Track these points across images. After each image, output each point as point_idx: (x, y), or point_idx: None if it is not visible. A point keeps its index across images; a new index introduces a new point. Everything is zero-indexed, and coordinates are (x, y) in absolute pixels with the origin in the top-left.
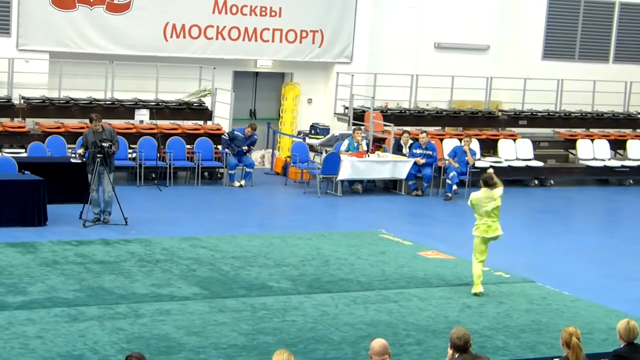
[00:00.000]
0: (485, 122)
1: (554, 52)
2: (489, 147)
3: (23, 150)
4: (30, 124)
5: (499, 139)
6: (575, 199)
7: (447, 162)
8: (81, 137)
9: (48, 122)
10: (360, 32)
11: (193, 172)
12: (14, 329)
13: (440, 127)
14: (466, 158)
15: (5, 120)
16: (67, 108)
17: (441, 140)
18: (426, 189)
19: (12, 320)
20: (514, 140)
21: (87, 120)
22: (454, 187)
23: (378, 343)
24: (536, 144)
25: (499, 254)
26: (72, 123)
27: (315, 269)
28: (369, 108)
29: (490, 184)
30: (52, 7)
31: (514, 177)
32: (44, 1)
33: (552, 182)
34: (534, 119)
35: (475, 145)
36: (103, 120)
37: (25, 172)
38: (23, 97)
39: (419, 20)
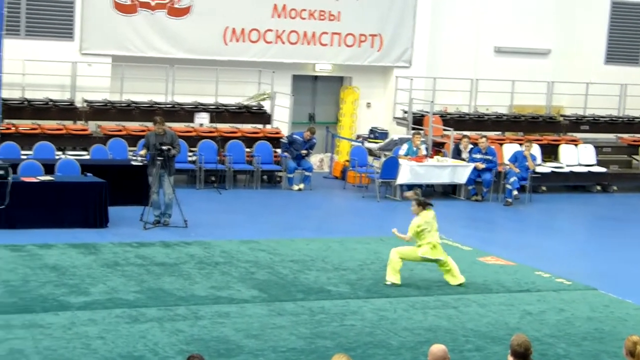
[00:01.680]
0: (546, 127)
1: (617, 56)
2: (550, 152)
3: (85, 153)
4: (92, 126)
5: (560, 144)
6: (638, 205)
7: (507, 167)
8: (143, 138)
9: (110, 125)
10: (419, 36)
11: (252, 175)
12: (76, 329)
13: (500, 132)
14: (527, 163)
15: (69, 123)
16: (128, 111)
17: (501, 145)
18: (486, 194)
19: (74, 320)
20: (576, 145)
21: (147, 123)
22: (515, 192)
23: (438, 348)
24: (599, 149)
25: (561, 261)
26: (133, 126)
27: (374, 273)
28: (428, 112)
29: (426, 204)
30: (115, 12)
31: (575, 183)
32: (107, 6)
33: (615, 188)
34: (596, 124)
35: (536, 150)
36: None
37: (88, 174)
38: (86, 100)
39: (479, 24)
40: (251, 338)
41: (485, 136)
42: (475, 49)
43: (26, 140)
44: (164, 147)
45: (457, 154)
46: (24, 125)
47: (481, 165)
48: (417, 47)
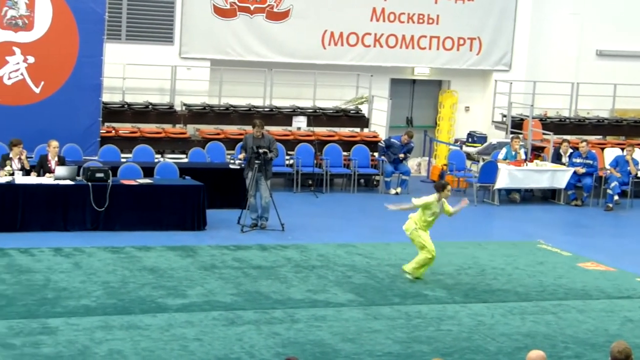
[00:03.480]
0: None
1: None
2: None
3: (184, 156)
4: (191, 130)
5: None
6: None
7: (608, 171)
8: (241, 142)
9: (208, 129)
10: (519, 40)
11: (349, 179)
12: (174, 331)
13: (601, 136)
14: (628, 168)
15: (168, 127)
16: (226, 115)
17: (602, 149)
18: (586, 198)
19: (172, 322)
20: None
21: (246, 127)
22: (616, 197)
23: (536, 354)
24: None
25: None
26: (231, 129)
27: (471, 278)
28: (527, 116)
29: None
30: (214, 16)
31: None
32: (206, 10)
33: None
34: None
35: (638, 154)
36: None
37: (186, 177)
38: (185, 104)
39: (580, 27)
40: (347, 342)
41: (585, 140)
42: (576, 52)
43: (126, 143)
44: (261, 151)
45: (556, 159)
46: (124, 128)
47: (581, 170)
48: (517, 50)
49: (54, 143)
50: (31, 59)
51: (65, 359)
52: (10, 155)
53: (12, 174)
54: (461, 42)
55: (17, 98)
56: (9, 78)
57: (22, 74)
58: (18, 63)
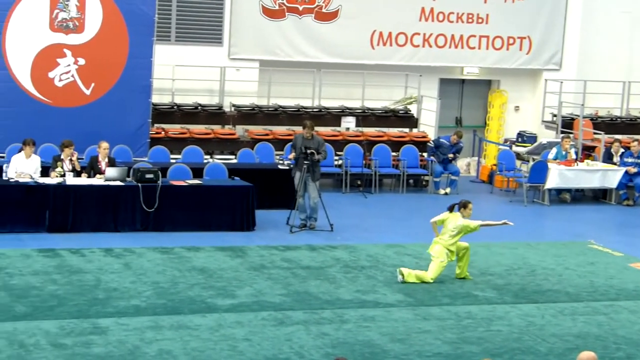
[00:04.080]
0: None
1: None
2: None
3: (233, 157)
4: (240, 130)
5: None
6: None
7: None
8: (291, 142)
9: (257, 129)
10: (569, 38)
11: (398, 179)
12: (223, 331)
13: None
14: None
15: (217, 127)
16: (275, 115)
17: None
18: (638, 198)
19: (221, 322)
20: None
21: (295, 128)
22: None
23: (588, 355)
24: None
25: None
26: (280, 130)
27: (521, 278)
28: (578, 116)
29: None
30: (263, 17)
31: None
32: (255, 11)
33: None
34: None
35: None
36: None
37: (235, 178)
38: (234, 105)
39: (632, 25)
40: (396, 342)
41: (637, 140)
42: (628, 50)
43: (175, 144)
44: (309, 151)
45: (608, 158)
46: (174, 129)
47: (633, 170)
48: (567, 49)
49: (104, 144)
50: (82, 61)
51: (116, 358)
52: (62, 157)
53: (63, 175)
54: (511, 41)
55: (68, 100)
56: (60, 80)
57: (72, 76)
58: (69, 65)
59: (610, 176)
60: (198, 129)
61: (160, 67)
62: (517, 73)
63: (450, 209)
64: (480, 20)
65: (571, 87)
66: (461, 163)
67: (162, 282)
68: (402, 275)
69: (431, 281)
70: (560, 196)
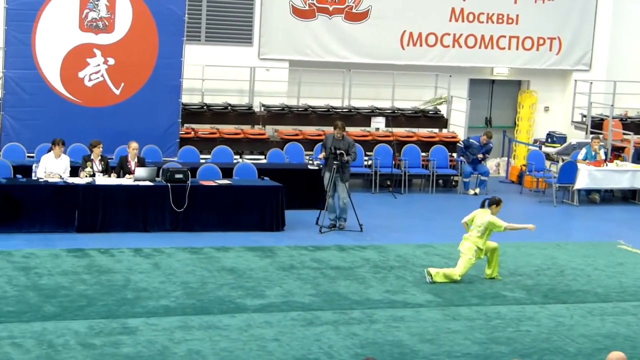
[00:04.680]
0: None
1: None
2: None
3: (263, 157)
4: (269, 131)
5: None
6: None
7: None
8: (320, 142)
9: (287, 130)
10: (599, 39)
11: (428, 179)
12: (253, 331)
13: None
14: None
15: (246, 128)
16: (305, 116)
17: None
18: None
19: (250, 322)
20: None
21: (324, 128)
22: None
23: (617, 356)
24: None
25: None
26: (309, 130)
27: (550, 279)
28: (607, 116)
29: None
30: (293, 17)
31: None
32: (285, 12)
33: None
34: None
35: None
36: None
37: (265, 178)
38: (263, 105)
39: None
40: (426, 342)
41: None
42: None
43: (205, 144)
44: (338, 152)
45: (637, 159)
46: (203, 129)
47: None
48: (597, 50)
49: (134, 144)
50: (111, 61)
51: (145, 359)
52: (91, 157)
53: (93, 175)
54: (541, 41)
55: (97, 99)
56: (90, 80)
57: (102, 76)
58: (99, 65)
59: (639, 177)
60: (228, 129)
61: (190, 67)
62: (546, 74)
63: (482, 205)
64: (510, 21)
65: (601, 87)
66: (491, 163)
67: (192, 282)
68: (430, 275)
69: (458, 278)
70: (589, 197)
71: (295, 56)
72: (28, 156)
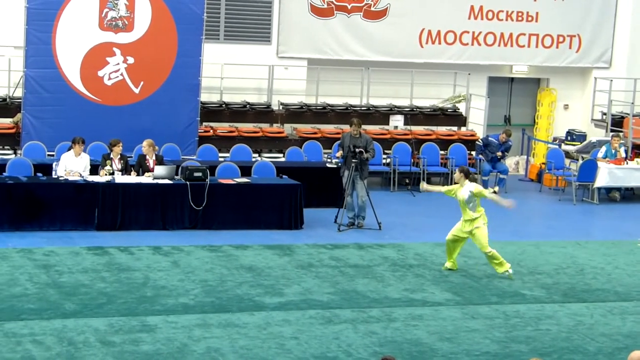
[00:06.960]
0: None
1: None
2: None
3: (281, 155)
4: (288, 129)
5: None
6: None
7: None
8: (338, 141)
9: (305, 128)
10: (620, 36)
11: (446, 178)
12: (271, 329)
13: None
14: None
15: (265, 126)
16: (323, 114)
17: None
18: None
19: (269, 320)
20: None
21: (343, 126)
22: None
23: (638, 355)
24: None
25: None
26: (328, 128)
27: (570, 277)
28: (628, 114)
29: (469, 174)
30: (311, 15)
31: None
32: (304, 10)
33: None
34: None
35: None
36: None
37: (283, 176)
38: (282, 103)
39: None
40: (444, 341)
41: None
42: None
43: (224, 142)
44: (357, 150)
45: None
46: (222, 128)
47: None
48: (617, 47)
49: (146, 142)
50: (131, 60)
51: (164, 356)
52: (111, 155)
53: (112, 174)
54: (560, 39)
55: (117, 98)
56: (109, 78)
57: (122, 75)
58: (118, 64)
59: None
60: (246, 127)
61: (209, 66)
62: (566, 71)
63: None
64: (529, 19)
65: (621, 85)
66: (510, 162)
67: (210, 280)
68: (505, 271)
69: (490, 250)
70: (609, 195)
71: (314, 54)
72: (48, 155)
